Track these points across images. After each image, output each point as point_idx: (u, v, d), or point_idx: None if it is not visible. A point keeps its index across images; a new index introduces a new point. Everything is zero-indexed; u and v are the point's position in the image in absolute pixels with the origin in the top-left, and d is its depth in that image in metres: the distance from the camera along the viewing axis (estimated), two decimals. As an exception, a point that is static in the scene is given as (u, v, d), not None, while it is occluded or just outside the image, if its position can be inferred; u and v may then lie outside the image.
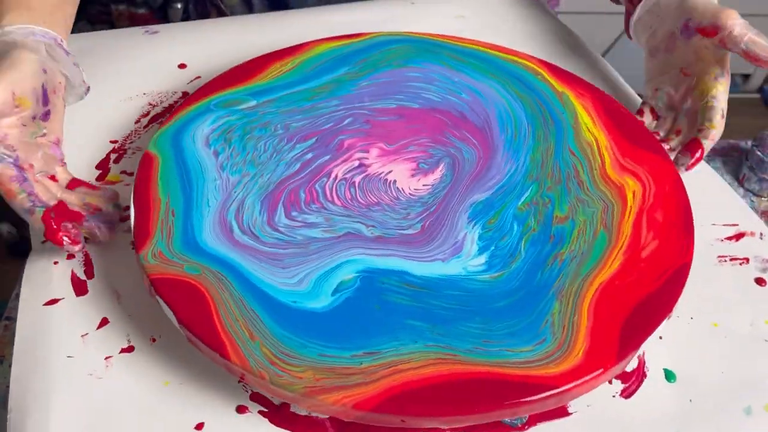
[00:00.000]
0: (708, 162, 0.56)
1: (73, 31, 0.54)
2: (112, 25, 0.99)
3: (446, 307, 0.38)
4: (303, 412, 0.38)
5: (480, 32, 0.62)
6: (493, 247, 0.42)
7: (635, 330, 0.37)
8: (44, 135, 0.46)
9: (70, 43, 0.50)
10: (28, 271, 0.44)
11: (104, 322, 0.41)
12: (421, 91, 0.53)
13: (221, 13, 0.77)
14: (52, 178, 0.46)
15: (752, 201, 0.59)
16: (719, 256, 0.46)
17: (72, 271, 0.44)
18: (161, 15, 0.91)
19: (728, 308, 0.43)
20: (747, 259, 0.46)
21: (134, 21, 0.96)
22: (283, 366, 0.35)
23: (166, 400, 0.38)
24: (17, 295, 0.46)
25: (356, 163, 0.47)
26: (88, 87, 0.51)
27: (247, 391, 0.38)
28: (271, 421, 0.37)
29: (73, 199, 0.46)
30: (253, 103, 0.50)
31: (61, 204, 0.44)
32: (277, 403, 0.38)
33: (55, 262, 0.44)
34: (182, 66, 0.60)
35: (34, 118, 0.45)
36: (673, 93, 0.53)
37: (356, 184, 0.45)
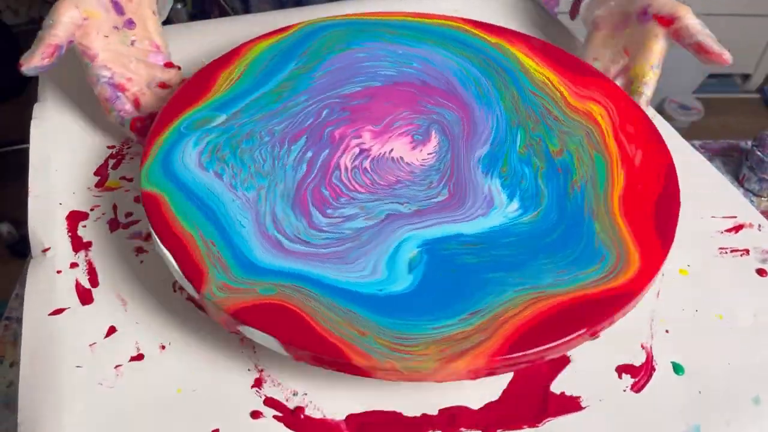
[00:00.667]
0: (708, 161, 0.57)
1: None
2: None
3: (510, 254, 0.40)
4: (318, 415, 0.38)
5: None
6: (518, 192, 0.45)
7: (665, 224, 0.43)
8: (133, 42, 0.51)
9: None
10: (30, 281, 0.43)
11: (111, 330, 0.41)
12: (376, 69, 0.54)
13: (223, 12, 0.77)
14: (162, 85, 0.52)
15: (752, 201, 0.59)
16: (720, 248, 0.47)
17: (76, 280, 0.43)
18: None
19: (731, 300, 0.44)
20: (747, 251, 0.47)
21: None
22: (405, 350, 0.35)
23: (180, 407, 0.37)
24: (17, 295, 0.46)
25: (356, 150, 0.47)
26: None
27: (260, 397, 0.38)
28: (287, 425, 0.37)
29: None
30: (223, 117, 0.48)
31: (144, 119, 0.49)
32: (292, 408, 0.38)
33: (58, 271, 0.44)
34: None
35: (116, 28, 0.50)
36: (609, 66, 0.57)
37: (369, 169, 0.46)
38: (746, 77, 1.86)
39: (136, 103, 0.50)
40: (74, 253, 0.45)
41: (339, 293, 0.38)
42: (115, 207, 0.48)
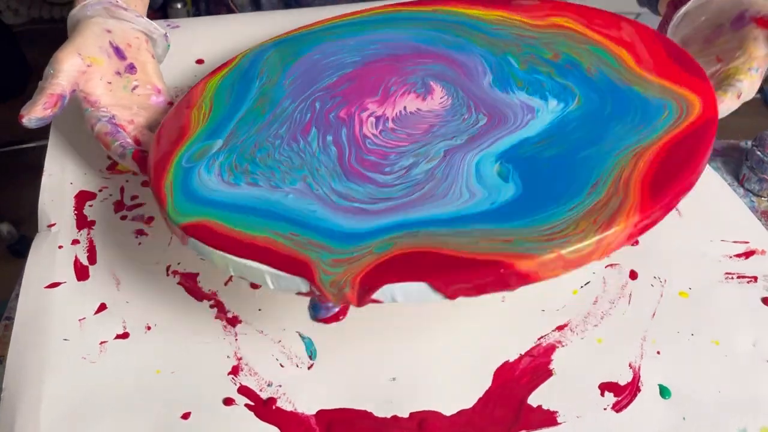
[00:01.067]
0: (708, 162, 0.55)
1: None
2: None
3: (585, 134, 0.42)
4: (289, 408, 0.38)
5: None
6: (547, 93, 0.47)
7: (687, 63, 0.46)
8: (135, 87, 0.50)
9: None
10: (32, 254, 0.45)
11: (102, 307, 0.42)
12: (339, 60, 0.53)
13: (231, 12, 0.78)
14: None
15: (752, 201, 0.58)
16: (726, 273, 0.45)
17: (75, 256, 0.45)
18: (162, 15, 0.92)
19: (731, 327, 0.42)
20: (755, 278, 0.45)
21: None
22: (559, 236, 0.34)
23: (156, 387, 0.38)
24: (17, 296, 0.47)
25: (372, 119, 0.47)
26: (166, 34, 0.54)
27: (235, 384, 0.38)
28: (257, 415, 0.37)
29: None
30: (219, 142, 0.45)
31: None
32: (264, 398, 0.38)
33: (60, 246, 0.45)
34: (200, 62, 0.61)
35: (118, 73, 0.50)
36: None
37: (396, 128, 0.45)
38: None
39: (136, 142, 0.48)
40: (77, 230, 0.46)
41: (454, 221, 0.36)
42: (122, 189, 0.49)
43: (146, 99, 0.51)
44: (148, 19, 0.53)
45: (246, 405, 0.38)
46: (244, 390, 0.38)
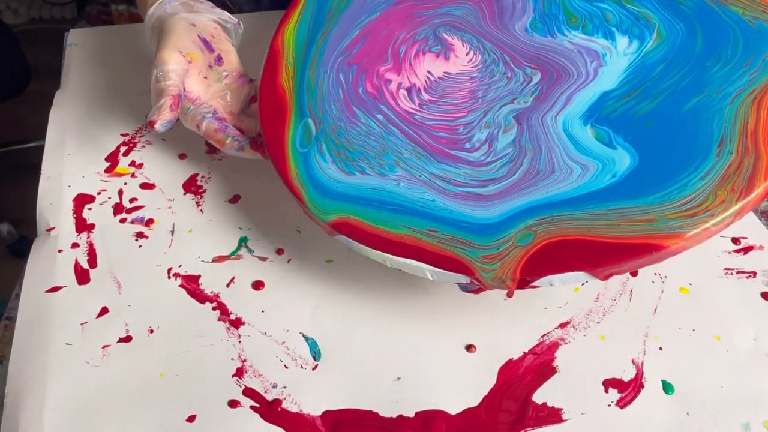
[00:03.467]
0: None
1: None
2: (111, 25, 1.01)
3: (678, 78, 0.38)
4: (294, 409, 0.38)
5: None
6: (614, 29, 0.42)
7: None
8: (226, 77, 0.50)
9: (94, 35, 0.51)
10: (32, 258, 0.44)
11: (104, 311, 0.42)
12: (372, 4, 0.50)
13: (228, 11, 0.78)
14: (252, 100, 0.51)
15: None
16: (725, 269, 0.46)
17: (75, 260, 0.44)
18: None
19: (732, 322, 0.42)
20: (754, 273, 0.45)
21: (134, 21, 0.97)
22: (701, 210, 0.33)
23: (160, 391, 0.38)
24: (17, 296, 0.47)
25: (404, 92, 0.45)
26: (238, 22, 0.53)
27: (240, 386, 0.38)
28: (263, 417, 0.37)
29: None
30: (310, 122, 0.45)
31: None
32: (270, 400, 0.38)
33: (60, 250, 0.45)
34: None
35: (210, 66, 0.50)
36: None
37: (437, 99, 0.44)
38: None
39: (240, 130, 0.48)
40: (77, 234, 0.46)
41: (583, 201, 0.35)
42: (121, 192, 0.49)
43: (232, 86, 0.50)
44: (221, 9, 0.53)
45: (251, 407, 0.38)
46: (249, 392, 0.38)
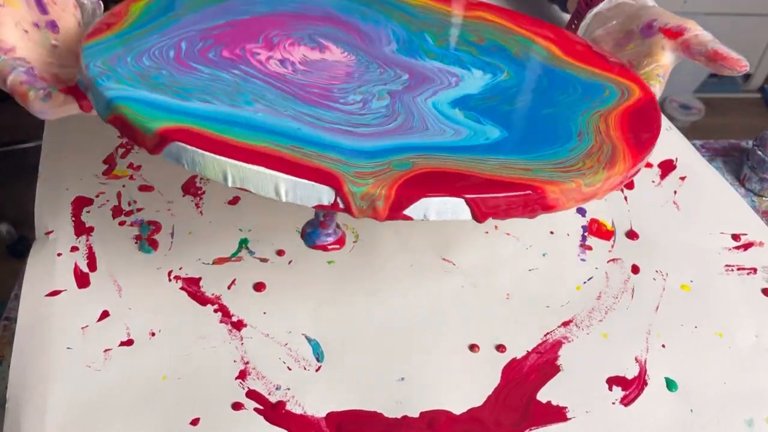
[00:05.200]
0: (709, 162, 0.56)
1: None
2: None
3: (533, 98, 0.42)
4: (299, 411, 0.37)
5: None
6: (468, 66, 0.46)
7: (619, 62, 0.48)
8: (55, 48, 0.44)
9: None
10: (30, 262, 0.44)
11: (105, 314, 0.41)
12: (248, 7, 0.48)
13: None
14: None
15: (753, 201, 0.59)
16: (726, 266, 0.46)
17: (75, 264, 0.44)
18: None
19: (733, 318, 0.42)
20: (755, 269, 0.46)
21: None
22: (574, 170, 0.35)
23: (163, 394, 0.38)
24: (17, 296, 0.46)
25: (275, 61, 0.42)
26: (98, 1, 0.48)
27: (243, 389, 0.38)
28: (267, 419, 0.37)
29: None
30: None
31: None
32: (273, 402, 0.38)
33: (59, 254, 0.45)
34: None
35: (37, 25, 0.44)
36: None
37: (312, 71, 0.42)
38: (747, 77, 1.86)
39: (58, 80, 0.41)
40: (76, 237, 0.46)
41: (461, 150, 0.35)
42: (119, 195, 0.49)
43: (68, 63, 0.44)
44: None
45: (255, 409, 0.37)
46: (252, 394, 0.38)
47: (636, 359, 0.40)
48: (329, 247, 0.35)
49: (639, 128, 0.40)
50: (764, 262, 0.46)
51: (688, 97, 1.81)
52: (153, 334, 0.41)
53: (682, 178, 0.52)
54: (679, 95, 1.81)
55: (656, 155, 0.54)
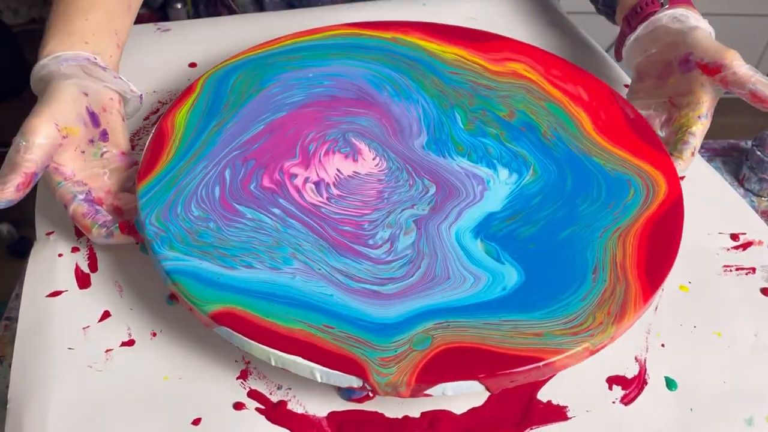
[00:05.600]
0: (708, 162, 0.56)
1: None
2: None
3: (553, 210, 0.43)
4: (300, 410, 0.38)
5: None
6: (495, 161, 0.47)
7: (646, 132, 0.49)
8: (105, 153, 0.46)
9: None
10: (31, 263, 0.44)
11: (106, 315, 0.42)
12: (284, 99, 0.51)
13: (232, 13, 0.78)
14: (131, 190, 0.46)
15: (752, 201, 0.59)
16: (725, 266, 0.46)
17: (76, 264, 0.44)
18: (161, 15, 0.91)
19: (732, 318, 0.43)
20: (753, 269, 0.46)
21: (136, 23, 0.96)
22: (581, 329, 0.36)
23: (165, 394, 0.38)
24: (17, 295, 0.47)
25: (311, 186, 0.45)
26: (141, 95, 0.49)
27: (245, 389, 0.38)
28: (268, 419, 0.37)
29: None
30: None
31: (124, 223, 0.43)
32: (275, 401, 0.38)
33: (60, 255, 0.45)
34: (192, 65, 0.60)
35: (92, 141, 0.45)
36: (655, 119, 0.52)
37: (344, 194, 0.44)
38: None
39: (116, 209, 0.45)
40: (77, 238, 0.46)
41: (477, 310, 0.37)
42: (120, 195, 0.49)
43: (113, 164, 0.46)
44: (125, 79, 0.48)
45: (257, 409, 0.37)
46: (254, 394, 0.38)
47: (636, 359, 0.40)
48: (363, 400, 0.38)
49: (657, 250, 0.41)
50: (763, 261, 0.46)
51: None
52: (154, 335, 0.41)
53: (681, 178, 0.52)
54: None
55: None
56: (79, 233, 0.46)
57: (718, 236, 0.48)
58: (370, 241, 0.41)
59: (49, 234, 0.46)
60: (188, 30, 0.65)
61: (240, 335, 0.36)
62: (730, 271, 0.46)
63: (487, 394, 0.38)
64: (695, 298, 0.44)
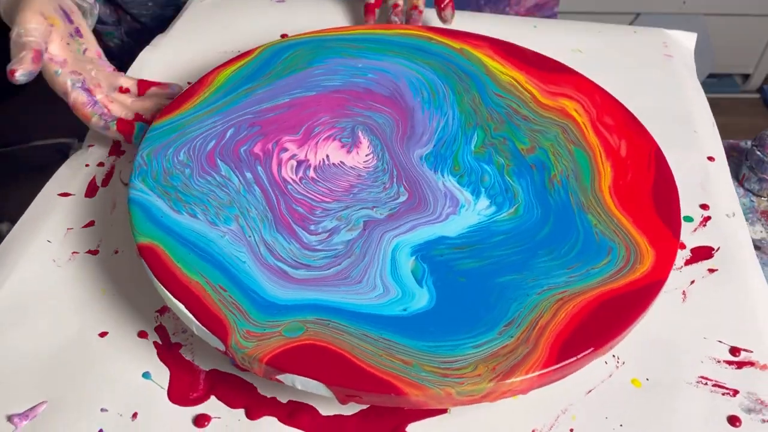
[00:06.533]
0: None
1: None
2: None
3: (507, 253, 0.41)
4: (188, 357, 0.40)
5: (594, 68, 0.59)
6: (483, 190, 0.45)
7: (667, 207, 0.43)
8: (86, 50, 0.53)
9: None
10: (63, 166, 0.51)
11: (90, 223, 0.47)
12: (321, 81, 0.53)
13: None
14: (122, 90, 0.54)
15: (752, 201, 0.55)
16: (701, 377, 0.39)
17: (93, 176, 0.50)
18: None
19: (672, 433, 0.37)
20: (735, 392, 0.39)
21: None
22: (455, 374, 0.34)
23: (94, 304, 0.42)
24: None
25: (293, 163, 0.46)
26: (94, 2, 0.56)
27: (156, 322, 0.41)
28: (158, 355, 0.40)
29: (147, 106, 0.53)
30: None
31: (125, 121, 0.51)
32: (173, 342, 0.40)
33: (86, 165, 0.51)
34: (284, 36, 0.64)
35: (71, 36, 0.52)
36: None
37: (319, 179, 0.45)
38: (746, 77, 1.83)
39: (106, 107, 0.51)
40: (108, 156, 0.52)
41: (365, 320, 0.37)
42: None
43: (96, 60, 0.53)
44: None
45: (154, 342, 0.40)
46: (160, 329, 0.41)
47: (533, 431, 0.37)
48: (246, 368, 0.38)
49: (596, 324, 0.36)
50: (754, 388, 0.39)
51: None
52: (116, 252, 0.45)
53: (711, 270, 0.45)
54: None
55: (691, 236, 0.47)
56: (112, 152, 0.52)
57: (715, 344, 0.41)
58: (312, 227, 0.42)
59: (90, 146, 0.53)
60: (300, 4, 0.69)
61: (149, 270, 0.39)
62: (705, 384, 0.39)
63: (361, 406, 0.37)
64: (644, 398, 0.38)
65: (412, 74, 0.54)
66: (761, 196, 0.55)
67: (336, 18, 0.67)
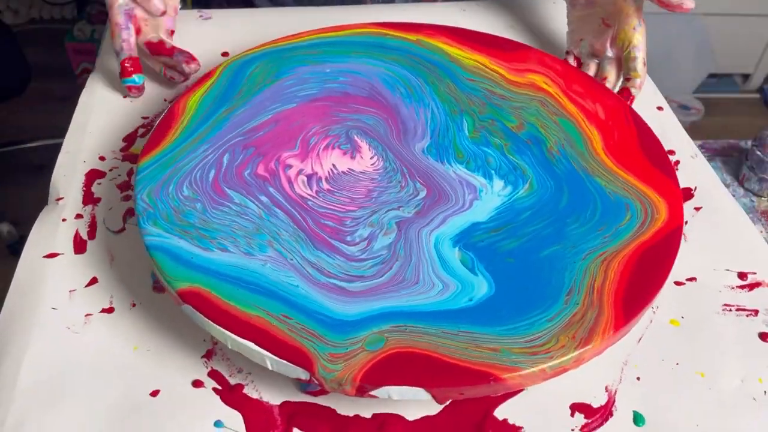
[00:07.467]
0: (708, 161, 0.54)
1: (72, 30, 0.57)
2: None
3: (541, 227, 0.42)
4: (255, 396, 0.38)
5: (532, 40, 0.62)
6: (493, 172, 0.46)
7: (658, 158, 0.46)
8: None
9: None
10: (36, 224, 0.46)
11: (93, 281, 0.43)
12: (296, 92, 0.52)
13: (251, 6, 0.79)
14: (149, 43, 0.58)
15: (752, 201, 0.58)
16: (725, 305, 0.43)
17: (76, 230, 0.46)
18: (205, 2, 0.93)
19: (720, 359, 0.40)
20: (756, 311, 0.43)
21: None
22: (542, 350, 0.35)
23: (132, 363, 0.39)
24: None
25: (303, 178, 0.45)
26: None
27: (207, 368, 0.39)
28: (222, 399, 0.38)
29: (150, 64, 0.59)
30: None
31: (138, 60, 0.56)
32: (232, 384, 0.38)
33: (63, 219, 0.47)
34: (225, 54, 0.62)
35: None
36: (595, 42, 0.58)
37: (335, 190, 0.45)
38: (746, 77, 1.86)
39: (137, 31, 0.57)
40: (83, 206, 0.48)
41: (438, 317, 0.37)
42: (130, 172, 0.51)
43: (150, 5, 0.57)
44: None
45: (214, 389, 0.38)
46: (214, 374, 0.39)
47: (606, 388, 0.39)
48: (318, 394, 0.39)
49: (641, 279, 0.39)
50: (768, 305, 0.43)
51: (687, 97, 1.77)
52: (133, 305, 0.42)
53: (697, 209, 0.50)
54: (678, 95, 1.77)
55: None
56: (86, 201, 0.48)
57: (724, 273, 0.45)
58: (348, 238, 0.41)
59: (58, 200, 0.48)
60: (228, 20, 0.67)
61: (201, 315, 0.37)
62: (730, 310, 0.43)
63: (443, 404, 0.38)
64: (685, 335, 0.42)
65: (381, 72, 0.54)
66: (761, 196, 0.57)
67: (269, 30, 0.65)
